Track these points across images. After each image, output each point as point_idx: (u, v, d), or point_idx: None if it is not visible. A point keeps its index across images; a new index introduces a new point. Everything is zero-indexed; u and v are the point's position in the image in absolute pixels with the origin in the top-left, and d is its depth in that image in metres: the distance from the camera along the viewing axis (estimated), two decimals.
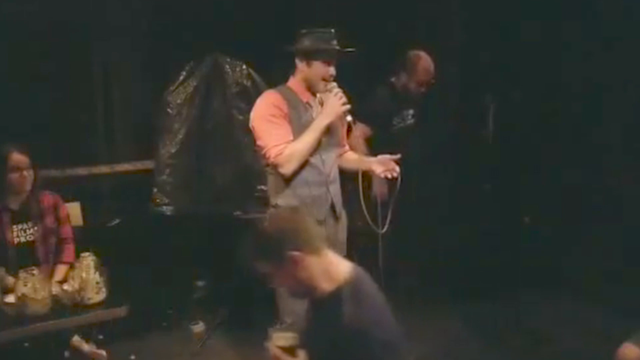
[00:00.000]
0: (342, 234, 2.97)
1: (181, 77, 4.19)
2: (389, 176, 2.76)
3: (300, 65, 2.79)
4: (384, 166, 2.78)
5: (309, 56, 2.75)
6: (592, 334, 3.73)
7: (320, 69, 2.74)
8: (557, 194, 4.60)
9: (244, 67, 4.24)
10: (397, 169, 2.75)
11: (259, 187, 4.06)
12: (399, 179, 2.75)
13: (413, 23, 4.79)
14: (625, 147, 4.23)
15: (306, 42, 2.75)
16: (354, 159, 3.04)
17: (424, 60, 3.98)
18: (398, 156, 2.77)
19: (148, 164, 4.33)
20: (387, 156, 2.80)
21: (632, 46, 4.08)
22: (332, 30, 2.78)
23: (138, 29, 4.40)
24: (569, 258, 4.39)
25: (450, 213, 4.76)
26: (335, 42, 2.77)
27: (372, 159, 2.90)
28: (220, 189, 4.24)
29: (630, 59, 4.12)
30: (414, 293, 4.29)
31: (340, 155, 3.02)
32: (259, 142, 2.76)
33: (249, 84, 4.25)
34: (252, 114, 2.79)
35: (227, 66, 4.22)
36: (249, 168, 4.18)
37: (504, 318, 4.10)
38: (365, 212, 2.75)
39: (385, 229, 2.85)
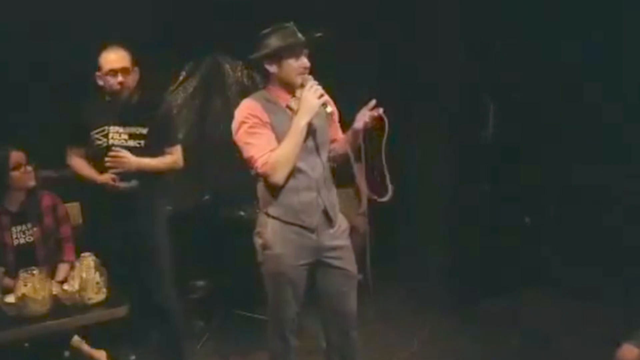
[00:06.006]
0: (340, 241, 2.77)
1: (181, 77, 4.19)
2: (375, 115, 2.61)
3: (272, 68, 2.66)
4: (365, 117, 2.65)
5: (278, 56, 2.63)
6: (592, 334, 3.73)
7: (293, 65, 2.62)
8: (557, 194, 4.60)
9: (244, 67, 4.24)
10: (380, 109, 2.61)
11: None
12: (385, 120, 2.60)
13: (413, 24, 4.80)
14: (627, 146, 4.23)
15: (270, 44, 2.63)
16: (343, 138, 2.84)
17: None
18: (373, 102, 2.64)
19: None
20: (364, 108, 2.66)
21: (631, 45, 4.08)
22: (292, 23, 2.67)
23: (138, 29, 4.39)
24: (569, 258, 4.38)
25: (450, 213, 4.76)
26: (298, 34, 2.64)
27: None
28: (220, 189, 4.24)
29: (630, 57, 4.12)
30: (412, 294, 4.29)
31: (334, 149, 2.84)
32: (244, 156, 2.64)
33: (249, 84, 4.25)
34: (233, 127, 2.66)
35: (227, 66, 4.22)
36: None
37: (504, 318, 4.10)
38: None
39: (389, 196, 2.72)
